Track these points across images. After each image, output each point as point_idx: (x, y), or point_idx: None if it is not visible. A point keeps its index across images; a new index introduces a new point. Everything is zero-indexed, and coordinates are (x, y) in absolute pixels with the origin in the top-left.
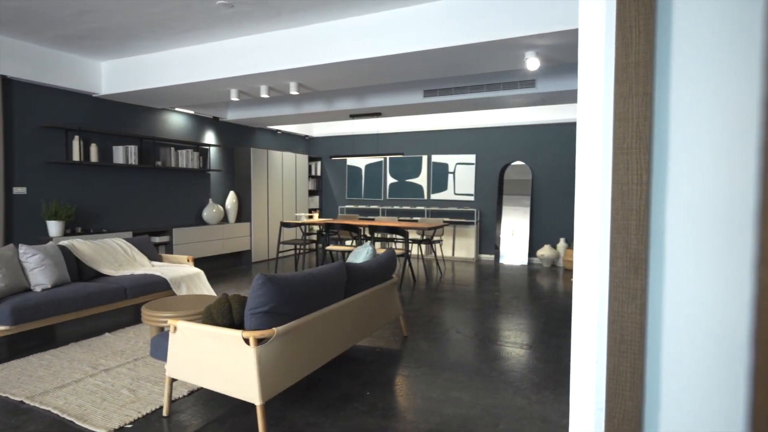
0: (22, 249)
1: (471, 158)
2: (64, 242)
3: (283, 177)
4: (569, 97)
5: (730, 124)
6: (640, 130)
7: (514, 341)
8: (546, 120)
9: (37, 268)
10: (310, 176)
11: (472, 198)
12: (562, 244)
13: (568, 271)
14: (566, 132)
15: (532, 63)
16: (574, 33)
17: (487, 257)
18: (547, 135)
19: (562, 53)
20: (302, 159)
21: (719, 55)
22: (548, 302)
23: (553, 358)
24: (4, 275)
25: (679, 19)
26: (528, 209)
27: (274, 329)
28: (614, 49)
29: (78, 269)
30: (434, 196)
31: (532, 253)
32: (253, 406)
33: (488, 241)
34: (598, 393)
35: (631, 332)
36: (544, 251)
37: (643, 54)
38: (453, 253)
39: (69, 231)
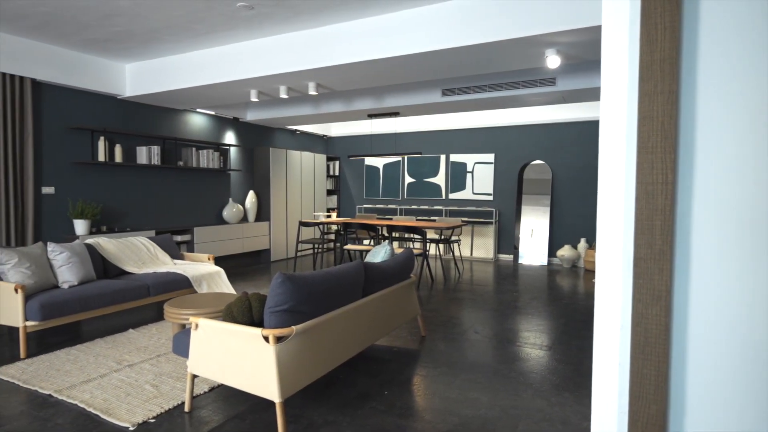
0: (51, 247)
1: (490, 157)
2: (90, 240)
3: (301, 177)
4: (591, 95)
5: (759, 123)
6: (665, 129)
7: (534, 342)
8: (566, 118)
9: (65, 266)
10: (329, 176)
11: (490, 197)
12: (582, 244)
13: (589, 272)
14: (587, 130)
15: (553, 61)
16: (596, 30)
17: (506, 257)
18: (568, 134)
19: (583, 50)
20: (320, 159)
21: (748, 53)
22: (568, 303)
23: (574, 360)
24: (33, 272)
25: (707, 16)
26: (548, 209)
27: (293, 327)
28: (638, 46)
29: (103, 267)
30: (452, 196)
31: (551, 253)
32: (272, 403)
33: (507, 241)
34: (621, 396)
35: (656, 334)
36: (564, 251)
37: (668, 51)
38: (471, 253)
39: (94, 229)
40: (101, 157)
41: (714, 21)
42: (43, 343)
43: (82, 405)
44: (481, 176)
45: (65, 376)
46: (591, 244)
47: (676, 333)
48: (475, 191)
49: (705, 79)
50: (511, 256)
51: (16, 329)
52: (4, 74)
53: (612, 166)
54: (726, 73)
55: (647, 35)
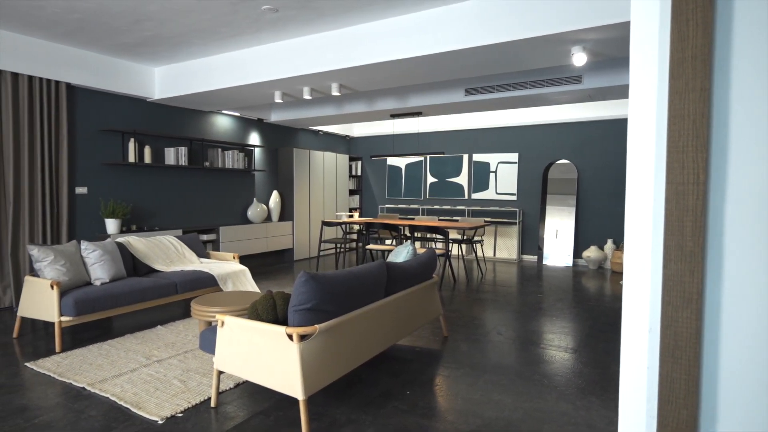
0: (84, 245)
1: (513, 157)
2: (121, 239)
3: (324, 177)
4: (618, 92)
5: None
6: (697, 128)
7: (558, 344)
8: (593, 117)
9: (97, 264)
10: (351, 176)
11: (514, 197)
12: (609, 245)
13: (616, 274)
14: (614, 129)
15: (579, 58)
16: (624, 26)
17: (530, 258)
18: (594, 132)
19: (611, 47)
20: (343, 159)
21: None
22: (594, 305)
23: (600, 363)
24: (68, 270)
25: (741, 11)
26: (573, 209)
27: (317, 326)
28: (669, 43)
29: (133, 265)
30: (475, 196)
31: (577, 254)
32: (296, 401)
33: (531, 241)
34: (649, 400)
35: (686, 338)
36: (590, 252)
37: (700, 48)
38: (494, 254)
39: (125, 228)
40: (131, 158)
41: (749, 16)
42: (76, 337)
43: (113, 398)
44: (505, 176)
45: (97, 370)
46: (618, 245)
47: (707, 336)
48: (498, 191)
49: (739, 76)
50: (535, 257)
51: (52, 324)
52: (40, 79)
53: (641, 166)
54: (761, 69)
55: (678, 31)
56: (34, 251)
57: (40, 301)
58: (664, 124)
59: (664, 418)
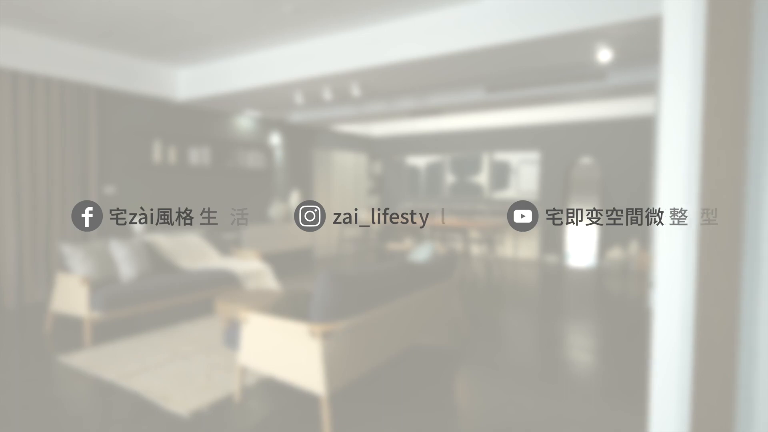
0: (112, 243)
1: (535, 156)
2: (147, 237)
3: (344, 176)
4: (645, 89)
5: None
6: (734, 123)
7: (582, 346)
8: (616, 114)
9: (125, 261)
10: (371, 175)
11: (535, 197)
12: (634, 245)
13: (640, 274)
14: (640, 127)
15: (604, 54)
16: (653, 21)
17: (552, 258)
18: (619, 131)
19: (638, 43)
20: (363, 158)
21: None
22: (619, 306)
23: (625, 365)
24: (97, 267)
25: None
26: (596, 209)
27: (338, 324)
28: (704, 37)
29: (159, 263)
30: (496, 195)
31: (601, 254)
32: (318, 398)
33: (553, 241)
34: (680, 403)
35: (721, 337)
36: (615, 253)
37: (738, 42)
38: (515, 254)
39: (149, 226)
40: (156, 159)
41: None
42: (104, 332)
43: (141, 392)
44: (526, 175)
45: (125, 364)
46: (643, 245)
47: (744, 336)
48: (519, 190)
49: None
50: (557, 257)
51: (81, 319)
52: (71, 82)
53: (672, 163)
54: None
55: (714, 25)
56: (65, 248)
57: (71, 296)
58: (698, 120)
59: (698, 422)
